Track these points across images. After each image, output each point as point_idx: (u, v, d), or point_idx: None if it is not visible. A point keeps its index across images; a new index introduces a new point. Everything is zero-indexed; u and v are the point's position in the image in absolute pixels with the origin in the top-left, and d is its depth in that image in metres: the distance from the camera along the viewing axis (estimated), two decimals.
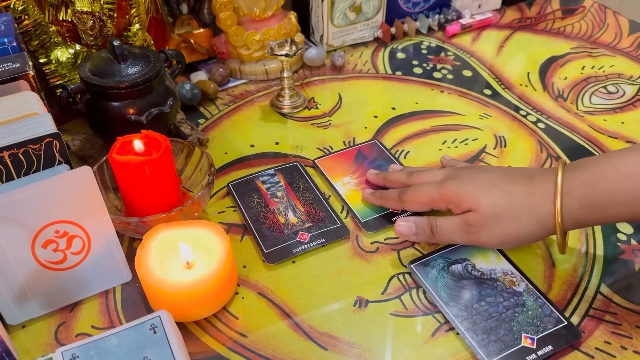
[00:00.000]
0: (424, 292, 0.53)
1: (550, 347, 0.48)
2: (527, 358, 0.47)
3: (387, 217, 0.60)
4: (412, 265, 0.55)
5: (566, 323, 0.49)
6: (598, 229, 0.59)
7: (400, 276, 0.55)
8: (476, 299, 0.51)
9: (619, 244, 0.58)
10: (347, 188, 0.64)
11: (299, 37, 0.86)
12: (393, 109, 0.77)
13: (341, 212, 0.62)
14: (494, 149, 0.70)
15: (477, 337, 0.48)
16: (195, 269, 0.51)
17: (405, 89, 0.82)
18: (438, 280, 0.53)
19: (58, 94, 0.64)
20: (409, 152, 0.70)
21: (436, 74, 0.84)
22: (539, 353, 0.47)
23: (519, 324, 0.49)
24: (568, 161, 0.57)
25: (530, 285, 0.53)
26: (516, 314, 0.50)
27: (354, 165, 0.68)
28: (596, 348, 0.49)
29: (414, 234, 0.56)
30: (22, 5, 0.64)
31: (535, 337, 0.48)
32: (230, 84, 0.83)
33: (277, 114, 0.77)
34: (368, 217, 0.61)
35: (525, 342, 0.48)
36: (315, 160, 0.68)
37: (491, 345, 0.48)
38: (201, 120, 0.76)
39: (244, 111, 0.78)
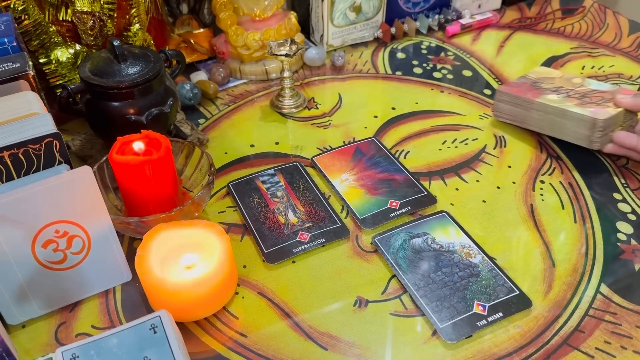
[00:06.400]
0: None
1: (500, 314, 0.50)
2: (477, 323, 0.50)
3: (385, 214, 0.60)
4: (376, 239, 0.57)
5: (518, 292, 0.52)
6: (598, 229, 0.59)
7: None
8: (433, 269, 0.54)
9: (619, 244, 0.58)
10: (346, 185, 0.64)
11: (299, 37, 0.86)
12: (393, 109, 0.77)
13: (341, 212, 0.62)
14: (494, 148, 0.70)
15: (432, 303, 0.51)
16: (195, 269, 0.51)
17: (405, 89, 0.82)
18: (399, 252, 0.56)
19: (58, 94, 0.64)
20: (409, 152, 0.70)
21: (436, 74, 0.84)
22: (489, 319, 0.50)
23: (472, 292, 0.52)
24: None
25: (485, 258, 0.55)
26: (470, 283, 0.53)
27: (352, 162, 0.68)
28: (596, 348, 0.49)
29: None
30: (22, 5, 0.64)
31: (487, 305, 0.51)
32: (230, 84, 0.83)
33: (277, 114, 0.77)
34: (366, 213, 0.61)
35: (477, 309, 0.51)
36: (313, 158, 0.68)
37: (444, 311, 0.51)
38: (201, 120, 0.76)
39: (244, 111, 0.78)
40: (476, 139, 0.72)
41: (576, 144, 0.67)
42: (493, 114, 0.74)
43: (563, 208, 0.62)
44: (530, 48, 0.90)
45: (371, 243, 0.58)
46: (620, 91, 0.66)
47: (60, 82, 0.69)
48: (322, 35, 0.88)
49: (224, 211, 0.63)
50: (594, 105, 0.65)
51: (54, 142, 0.50)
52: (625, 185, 0.64)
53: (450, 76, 0.84)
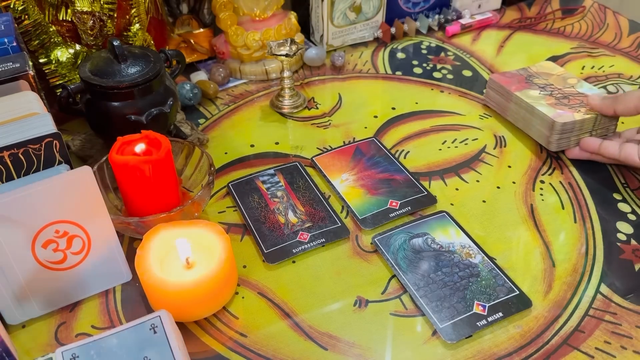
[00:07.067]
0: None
1: (500, 314, 0.50)
2: (477, 323, 0.50)
3: (385, 214, 0.60)
4: (376, 239, 0.57)
5: (517, 292, 0.52)
6: (598, 229, 0.59)
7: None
8: (433, 269, 0.54)
9: (619, 244, 0.58)
10: (346, 185, 0.64)
11: (299, 37, 0.86)
12: (393, 109, 0.77)
13: (341, 212, 0.62)
14: (494, 149, 0.70)
15: (432, 303, 0.51)
16: (195, 269, 0.51)
17: (405, 89, 0.82)
18: (399, 252, 0.56)
19: (58, 94, 0.64)
20: (409, 152, 0.70)
21: (436, 74, 0.84)
22: (489, 319, 0.50)
23: (472, 293, 0.52)
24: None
25: (485, 258, 0.55)
26: (470, 283, 0.53)
27: (352, 162, 0.68)
28: (596, 348, 0.49)
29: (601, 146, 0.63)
30: (22, 5, 0.64)
31: (487, 305, 0.51)
32: (230, 84, 0.83)
33: (277, 114, 0.77)
34: (366, 213, 0.61)
35: (477, 309, 0.51)
36: (313, 158, 0.68)
37: (444, 311, 0.51)
38: (201, 120, 0.76)
39: (244, 111, 0.78)
40: (476, 139, 0.72)
41: (539, 142, 0.69)
42: (484, 99, 0.77)
43: (563, 208, 0.62)
44: (530, 48, 0.90)
45: (371, 243, 0.58)
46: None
47: (60, 82, 0.69)
48: (322, 35, 0.88)
49: (224, 211, 0.63)
50: (567, 108, 0.66)
51: (54, 142, 0.50)
52: (625, 185, 0.64)
53: (450, 76, 0.84)
